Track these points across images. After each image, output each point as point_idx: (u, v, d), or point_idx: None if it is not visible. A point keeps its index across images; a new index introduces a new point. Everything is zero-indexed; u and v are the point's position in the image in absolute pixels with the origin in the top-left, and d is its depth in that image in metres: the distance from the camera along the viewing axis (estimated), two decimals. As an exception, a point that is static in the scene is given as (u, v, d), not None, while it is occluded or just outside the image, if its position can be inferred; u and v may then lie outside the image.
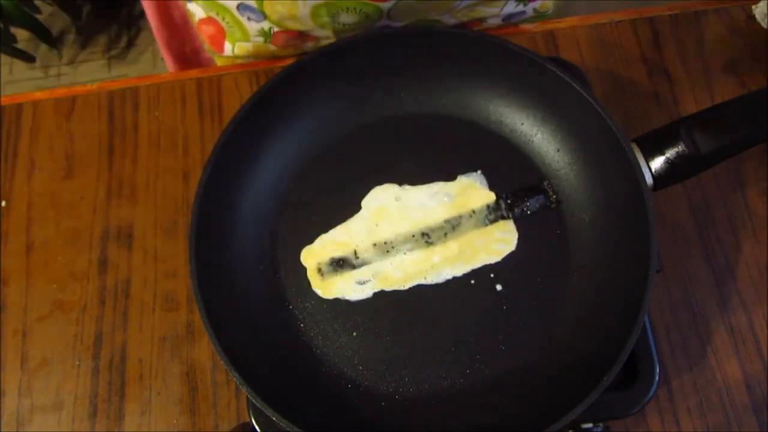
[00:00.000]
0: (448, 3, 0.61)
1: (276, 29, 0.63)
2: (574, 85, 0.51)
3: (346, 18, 0.60)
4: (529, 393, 0.49)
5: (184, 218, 0.60)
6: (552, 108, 0.55)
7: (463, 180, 0.55)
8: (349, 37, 0.56)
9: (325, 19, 0.60)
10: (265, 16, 0.61)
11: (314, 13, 0.59)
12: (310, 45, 0.67)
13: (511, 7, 0.66)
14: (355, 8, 0.59)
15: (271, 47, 0.65)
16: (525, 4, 0.66)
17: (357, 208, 0.55)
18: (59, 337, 0.57)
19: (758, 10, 0.64)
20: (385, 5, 0.59)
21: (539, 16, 0.70)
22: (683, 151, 0.48)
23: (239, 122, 0.52)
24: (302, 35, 0.64)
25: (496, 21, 0.68)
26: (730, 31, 0.65)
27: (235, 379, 0.45)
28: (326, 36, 0.64)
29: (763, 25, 0.63)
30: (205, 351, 0.56)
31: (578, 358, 0.49)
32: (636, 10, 0.67)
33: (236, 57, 0.68)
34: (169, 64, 0.81)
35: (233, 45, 0.66)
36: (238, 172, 0.54)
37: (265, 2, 0.59)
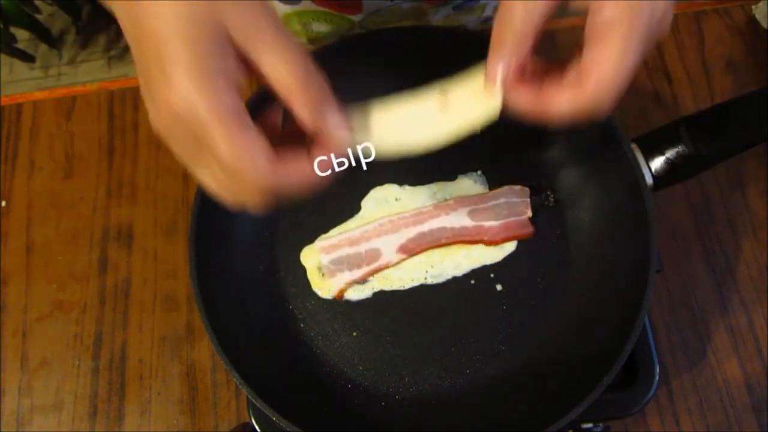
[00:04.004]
0: (422, 17, 0.61)
1: None
2: (574, 85, 0.51)
3: (318, 27, 0.61)
4: (529, 393, 0.49)
5: (184, 218, 0.60)
6: (552, 108, 0.55)
7: (463, 180, 0.55)
8: (348, 36, 0.56)
9: (297, 26, 0.61)
10: None
11: (286, 20, 0.60)
12: None
13: (489, 12, 0.66)
14: (325, 18, 0.59)
15: None
16: None
17: (357, 208, 0.55)
18: (59, 337, 0.57)
19: (758, 10, 0.64)
20: (356, 17, 0.59)
21: None
22: (683, 151, 0.48)
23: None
24: None
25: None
26: (730, 31, 0.65)
27: (235, 379, 0.45)
28: (301, 42, 0.65)
29: (763, 25, 0.63)
30: (205, 351, 0.57)
31: (578, 358, 0.49)
32: (636, 10, 0.67)
33: None
34: None
35: None
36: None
37: None
